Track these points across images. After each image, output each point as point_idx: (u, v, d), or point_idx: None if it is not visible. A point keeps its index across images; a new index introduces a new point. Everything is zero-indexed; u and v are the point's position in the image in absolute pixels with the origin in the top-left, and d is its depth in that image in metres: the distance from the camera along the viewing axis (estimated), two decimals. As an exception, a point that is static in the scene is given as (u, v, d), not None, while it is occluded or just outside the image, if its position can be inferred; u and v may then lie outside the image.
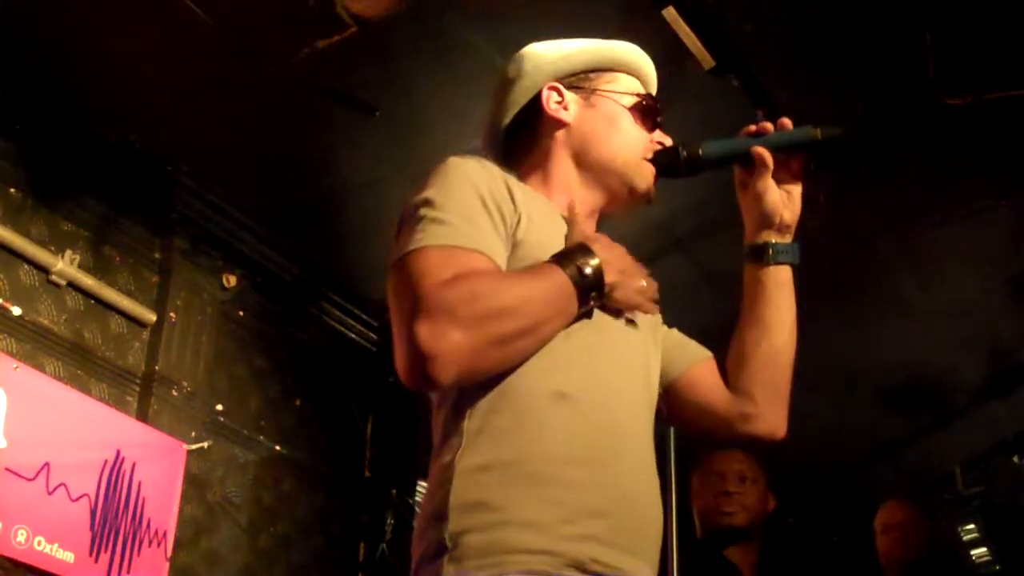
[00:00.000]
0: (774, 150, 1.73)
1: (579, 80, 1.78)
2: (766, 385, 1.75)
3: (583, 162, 1.74)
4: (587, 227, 1.63)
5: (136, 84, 3.74)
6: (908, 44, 3.41)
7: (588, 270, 1.48)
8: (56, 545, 3.48)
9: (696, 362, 1.80)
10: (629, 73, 1.81)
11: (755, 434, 1.77)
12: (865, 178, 3.93)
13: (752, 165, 1.73)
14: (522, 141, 1.78)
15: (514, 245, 1.52)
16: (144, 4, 3.42)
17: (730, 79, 3.53)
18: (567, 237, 1.57)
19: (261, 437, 4.52)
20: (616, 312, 1.57)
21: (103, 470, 3.69)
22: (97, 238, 4.03)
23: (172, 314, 4.19)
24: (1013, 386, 5.20)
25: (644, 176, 1.74)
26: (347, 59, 3.55)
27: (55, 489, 3.52)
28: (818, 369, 4.40)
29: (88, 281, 3.91)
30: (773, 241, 1.76)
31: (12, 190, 3.79)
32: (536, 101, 1.76)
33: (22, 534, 3.39)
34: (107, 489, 3.68)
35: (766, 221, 1.76)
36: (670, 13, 3.26)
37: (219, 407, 4.34)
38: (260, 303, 4.64)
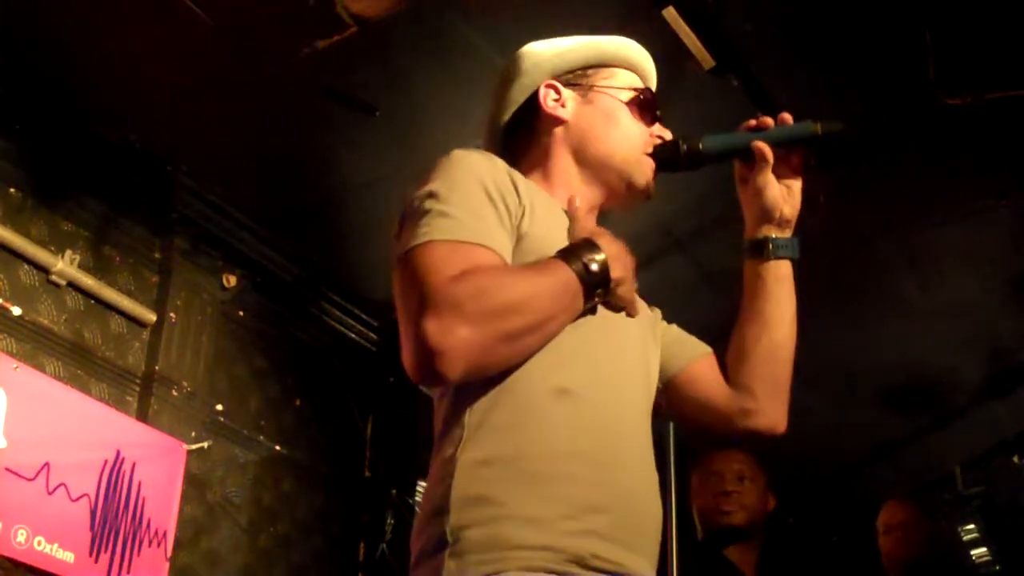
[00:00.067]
0: (774, 145, 1.73)
1: (576, 77, 1.78)
2: (766, 380, 1.75)
3: (582, 159, 1.74)
4: (589, 222, 1.63)
5: (136, 84, 3.74)
6: (908, 44, 3.41)
7: (594, 266, 1.48)
8: (56, 545, 3.48)
9: (696, 357, 1.80)
10: (627, 68, 1.81)
11: (755, 429, 1.76)
12: (865, 178, 3.94)
13: (752, 160, 1.73)
14: (522, 139, 1.78)
15: (519, 238, 1.52)
16: (144, 4, 3.42)
17: (730, 79, 3.53)
18: (571, 232, 1.57)
19: (261, 437, 4.52)
20: (618, 308, 1.57)
21: (103, 470, 3.69)
22: (97, 238, 4.03)
23: (172, 314, 4.19)
24: (1013, 386, 5.20)
25: (643, 171, 1.74)
26: (347, 59, 3.55)
27: (55, 489, 3.52)
28: (818, 369, 4.42)
29: (88, 281, 3.91)
30: (773, 236, 1.76)
31: (12, 190, 3.79)
32: (534, 99, 1.77)
33: (22, 534, 3.39)
34: (107, 489, 3.68)
35: (766, 216, 1.76)
36: (670, 13, 3.26)
37: (219, 407, 4.34)
38: (260, 303, 4.64)
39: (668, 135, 1.77)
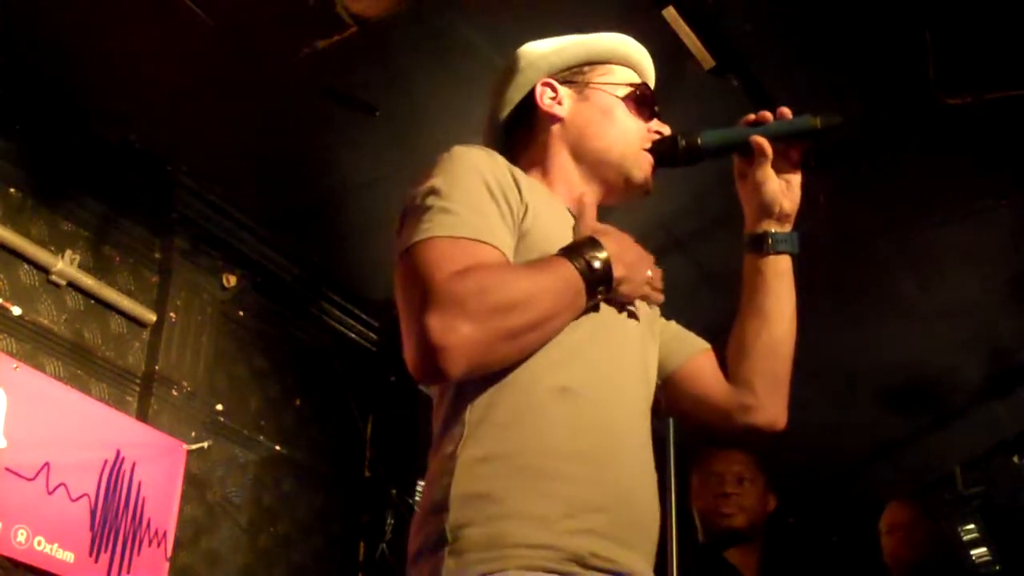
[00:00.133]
0: (773, 139, 1.72)
1: (573, 74, 1.78)
2: (766, 375, 1.75)
3: (580, 155, 1.74)
4: (593, 220, 1.63)
5: (136, 84, 3.74)
6: (908, 44, 3.41)
7: (597, 264, 1.48)
8: (56, 545, 3.48)
9: (695, 354, 1.80)
10: (623, 65, 1.81)
11: (755, 425, 1.76)
12: (865, 178, 3.94)
13: (751, 154, 1.73)
14: (520, 137, 1.78)
15: (520, 235, 1.52)
16: (144, 4, 3.42)
17: (730, 79, 3.53)
18: (575, 229, 1.57)
19: (261, 437, 4.52)
20: (620, 305, 1.57)
21: (103, 470, 3.69)
22: (97, 238, 4.03)
23: (172, 314, 4.19)
24: (1013, 386, 5.20)
25: (641, 166, 1.74)
26: (347, 59, 3.55)
27: (55, 489, 3.52)
28: (818, 369, 4.41)
29: (88, 281, 3.91)
30: (772, 230, 1.75)
31: (12, 190, 3.79)
32: (531, 97, 1.77)
33: (22, 534, 3.39)
34: (107, 489, 3.68)
35: (765, 210, 1.75)
36: (670, 13, 3.26)
37: (219, 407, 4.34)
38: (260, 303, 4.64)
39: (666, 130, 1.77)
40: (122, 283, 4.10)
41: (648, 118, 1.78)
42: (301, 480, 4.67)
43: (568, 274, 1.46)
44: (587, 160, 1.73)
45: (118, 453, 3.74)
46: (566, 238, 1.55)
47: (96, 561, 3.59)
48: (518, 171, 1.59)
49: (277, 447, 4.57)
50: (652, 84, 1.86)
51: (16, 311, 3.68)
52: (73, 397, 3.72)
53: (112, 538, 3.65)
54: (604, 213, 1.75)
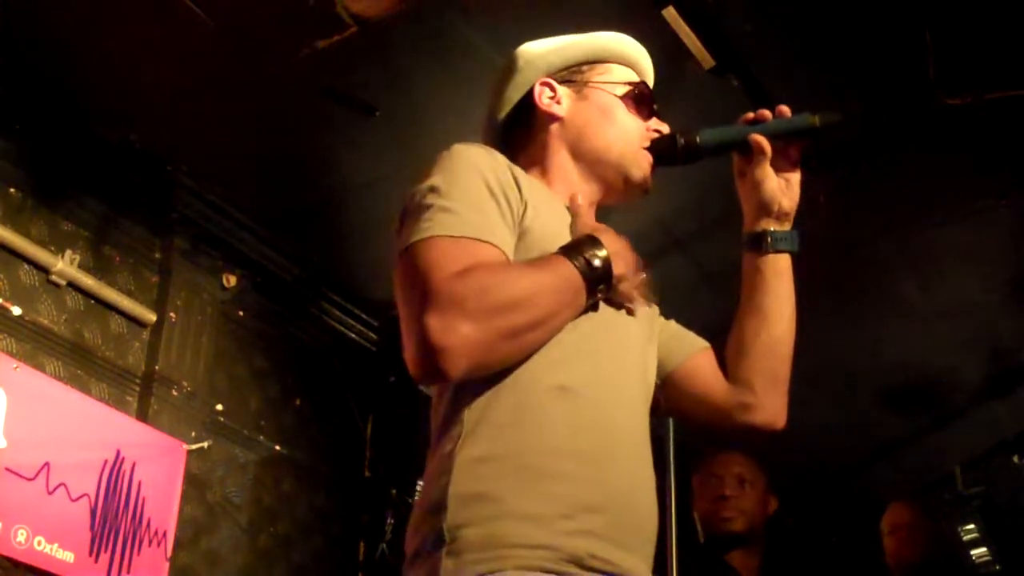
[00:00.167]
0: (772, 137, 1.72)
1: (571, 74, 1.78)
2: (765, 374, 1.74)
3: (579, 154, 1.73)
4: (591, 219, 1.63)
5: (136, 84, 3.74)
6: (908, 44, 3.41)
7: (597, 262, 1.48)
8: (56, 545, 3.48)
9: (694, 353, 1.79)
10: (622, 63, 1.81)
11: (754, 424, 1.75)
12: (865, 178, 3.94)
13: (750, 153, 1.73)
14: (519, 137, 1.78)
15: (520, 234, 1.52)
16: (144, 4, 3.42)
17: (730, 79, 3.52)
18: (572, 228, 1.57)
19: (261, 437, 4.52)
20: (618, 304, 1.57)
21: (103, 470, 3.69)
22: (97, 238, 4.03)
23: (172, 314, 4.19)
24: (1013, 386, 5.20)
25: (640, 165, 1.73)
26: (347, 59, 3.55)
27: (55, 489, 3.52)
28: (818, 369, 4.41)
29: (88, 281, 3.91)
30: (772, 229, 1.75)
31: (12, 190, 3.79)
32: (530, 97, 1.77)
33: (22, 534, 3.39)
34: (107, 489, 3.68)
35: (764, 209, 1.75)
36: (670, 13, 3.26)
37: (219, 407, 4.34)
38: (260, 303, 4.64)
39: (665, 128, 1.77)
40: (122, 283, 4.10)
41: (647, 117, 1.77)
42: (301, 480, 4.67)
43: (568, 272, 1.46)
44: (586, 159, 1.73)
45: (118, 453, 3.74)
46: (566, 237, 1.54)
47: (96, 561, 3.59)
48: (518, 169, 1.59)
49: (277, 447, 4.57)
50: (651, 83, 1.85)
51: (16, 311, 3.68)
52: (73, 397, 3.72)
53: (112, 538, 3.65)
54: (603, 213, 1.75)
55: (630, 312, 1.60)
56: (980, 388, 5.26)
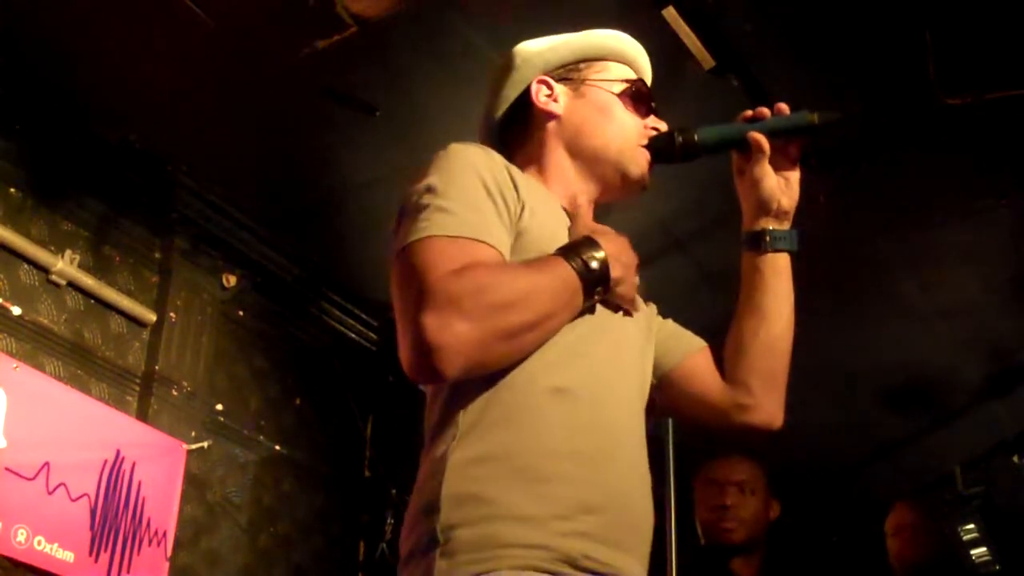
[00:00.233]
0: (770, 135, 1.71)
1: (568, 72, 1.78)
2: (763, 374, 1.74)
3: (576, 153, 1.73)
4: (590, 220, 1.62)
5: (136, 84, 3.74)
6: (908, 44, 3.41)
7: (594, 264, 1.47)
8: (56, 545, 3.48)
9: (691, 352, 1.79)
10: (619, 61, 1.81)
11: (751, 423, 1.74)
12: (865, 178, 3.93)
13: (749, 151, 1.72)
14: (516, 135, 1.78)
15: (517, 234, 1.51)
16: (144, 4, 3.42)
17: (730, 79, 3.52)
18: (571, 229, 1.56)
19: (261, 437, 4.52)
20: (616, 306, 1.56)
21: (103, 470, 3.69)
22: (97, 238, 4.03)
23: (172, 314, 4.19)
24: (1013, 386, 5.20)
25: (638, 163, 1.73)
26: (347, 59, 3.55)
27: (55, 489, 3.52)
28: (818, 369, 4.41)
29: (88, 281, 3.91)
30: (771, 228, 1.74)
31: (12, 190, 3.79)
32: (527, 95, 1.76)
33: (22, 534, 3.39)
34: (107, 489, 3.68)
35: (763, 208, 1.74)
36: (670, 13, 3.26)
37: (219, 407, 4.34)
38: (260, 303, 4.64)
39: (663, 126, 1.76)
40: (122, 283, 4.10)
41: (645, 114, 1.77)
42: (301, 480, 4.67)
43: (565, 274, 1.45)
44: (584, 157, 1.73)
45: (118, 453, 3.74)
46: (563, 237, 1.54)
47: (96, 561, 3.59)
48: (515, 169, 1.59)
49: (277, 447, 4.57)
50: (648, 80, 1.85)
51: (16, 311, 3.68)
52: (73, 397, 3.72)
53: (112, 538, 3.65)
54: (603, 212, 1.75)
55: (627, 314, 1.59)
56: (980, 388, 5.25)
